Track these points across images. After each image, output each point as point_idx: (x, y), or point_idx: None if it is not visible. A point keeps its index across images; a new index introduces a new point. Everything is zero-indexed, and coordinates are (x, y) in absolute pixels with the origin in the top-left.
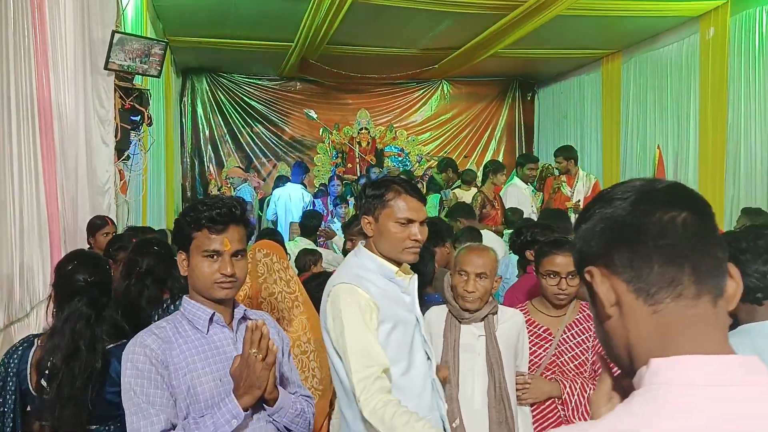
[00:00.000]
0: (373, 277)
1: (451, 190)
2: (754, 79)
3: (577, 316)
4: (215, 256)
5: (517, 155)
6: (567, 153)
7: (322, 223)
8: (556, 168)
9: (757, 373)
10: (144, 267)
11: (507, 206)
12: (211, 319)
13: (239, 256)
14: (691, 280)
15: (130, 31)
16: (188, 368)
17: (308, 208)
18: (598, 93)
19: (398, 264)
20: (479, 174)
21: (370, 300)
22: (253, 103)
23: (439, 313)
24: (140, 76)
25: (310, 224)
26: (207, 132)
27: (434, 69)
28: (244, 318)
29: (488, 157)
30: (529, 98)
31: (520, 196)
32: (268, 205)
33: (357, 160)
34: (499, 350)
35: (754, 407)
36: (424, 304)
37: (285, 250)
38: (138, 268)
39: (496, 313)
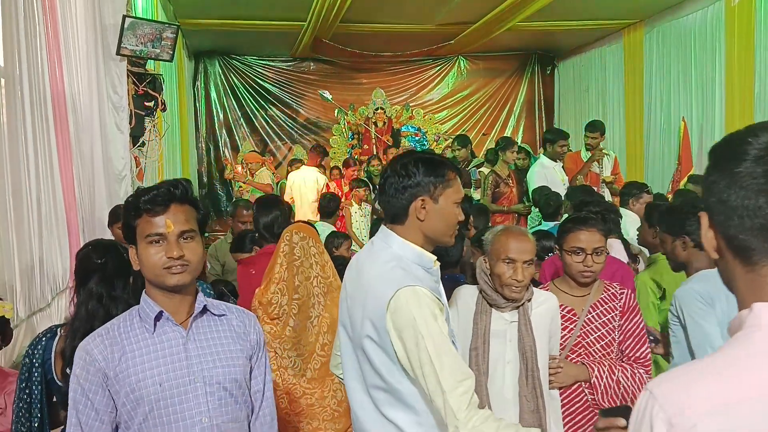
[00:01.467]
0: (414, 270)
1: (478, 169)
2: None
3: (602, 296)
4: (160, 240)
5: (538, 132)
6: (603, 128)
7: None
8: (589, 144)
9: None
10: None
11: (535, 187)
12: (158, 317)
13: (188, 238)
14: None
15: (140, 15)
16: (130, 371)
17: (323, 192)
18: (620, 65)
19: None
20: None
21: (436, 301)
22: (266, 85)
23: (470, 295)
24: (153, 61)
25: (328, 207)
26: (221, 116)
27: (450, 45)
28: (205, 311)
29: (508, 134)
30: (548, 72)
31: (549, 175)
32: (283, 190)
33: (373, 140)
34: (533, 337)
35: None
36: (445, 283)
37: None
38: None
39: (531, 298)
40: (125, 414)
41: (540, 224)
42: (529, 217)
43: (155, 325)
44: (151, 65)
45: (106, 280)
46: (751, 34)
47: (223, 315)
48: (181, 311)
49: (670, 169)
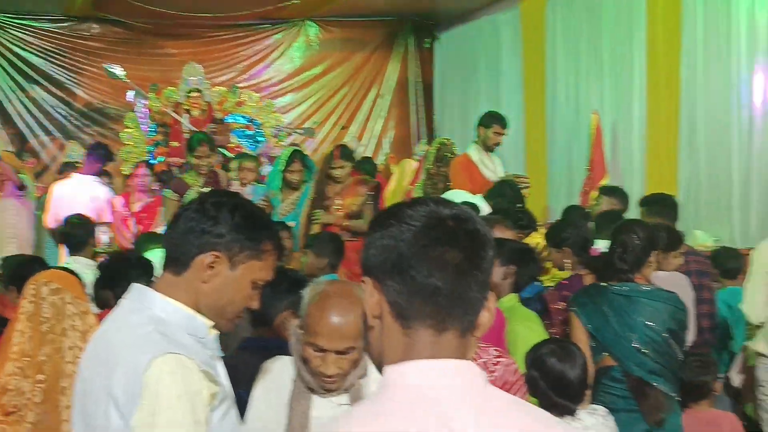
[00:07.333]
0: (179, 336)
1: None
2: (714, 19)
3: None
4: None
5: (414, 124)
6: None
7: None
8: (495, 143)
9: (454, 375)
10: None
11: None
12: None
13: None
14: (443, 316)
15: None
16: None
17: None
18: (517, 38)
19: None
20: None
21: (208, 379)
22: (27, 55)
23: (285, 369)
24: None
25: (75, 235)
26: None
27: (295, 3)
28: None
29: (376, 127)
30: (426, 45)
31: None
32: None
33: (185, 135)
34: None
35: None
36: (254, 351)
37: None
38: None
39: (365, 375)
40: None
41: None
42: None
43: None
44: None
45: None
46: (678, 4)
47: None
48: None
49: (579, 174)
